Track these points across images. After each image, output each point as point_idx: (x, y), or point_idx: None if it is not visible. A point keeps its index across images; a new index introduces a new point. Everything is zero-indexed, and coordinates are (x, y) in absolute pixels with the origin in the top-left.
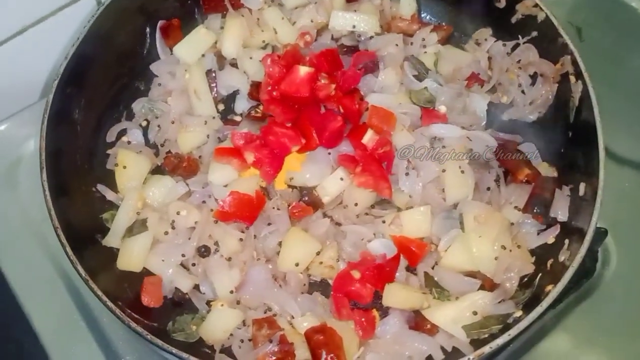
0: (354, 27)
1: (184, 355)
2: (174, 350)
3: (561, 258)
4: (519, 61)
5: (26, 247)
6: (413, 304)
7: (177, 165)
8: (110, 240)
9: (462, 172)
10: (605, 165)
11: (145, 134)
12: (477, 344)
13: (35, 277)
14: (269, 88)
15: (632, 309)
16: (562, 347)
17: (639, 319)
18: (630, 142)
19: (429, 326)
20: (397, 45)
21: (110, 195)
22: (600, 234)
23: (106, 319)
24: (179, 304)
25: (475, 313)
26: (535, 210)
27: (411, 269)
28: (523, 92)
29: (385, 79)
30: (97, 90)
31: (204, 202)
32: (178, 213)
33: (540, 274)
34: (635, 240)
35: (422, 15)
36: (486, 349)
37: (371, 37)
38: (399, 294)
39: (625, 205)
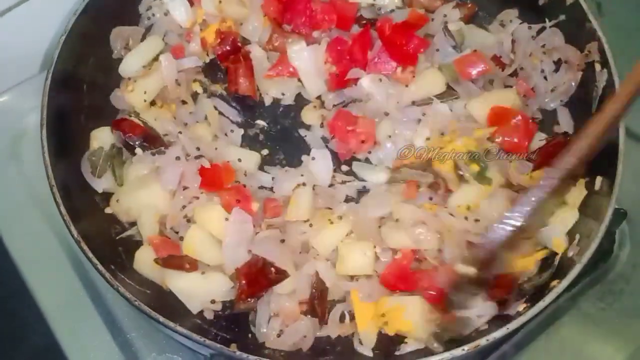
0: None
1: (171, 324)
2: (161, 319)
3: (570, 253)
4: (543, 46)
5: (31, 222)
6: None
7: None
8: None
9: None
10: (625, 147)
11: None
12: (475, 334)
13: (40, 252)
14: None
15: None
16: (577, 328)
17: None
18: None
19: None
20: None
21: None
22: (620, 215)
23: (111, 295)
24: None
25: None
26: None
27: None
28: (545, 78)
29: None
30: (107, 49)
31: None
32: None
33: (546, 268)
34: None
35: None
36: (482, 342)
37: (392, 11)
38: None
39: None
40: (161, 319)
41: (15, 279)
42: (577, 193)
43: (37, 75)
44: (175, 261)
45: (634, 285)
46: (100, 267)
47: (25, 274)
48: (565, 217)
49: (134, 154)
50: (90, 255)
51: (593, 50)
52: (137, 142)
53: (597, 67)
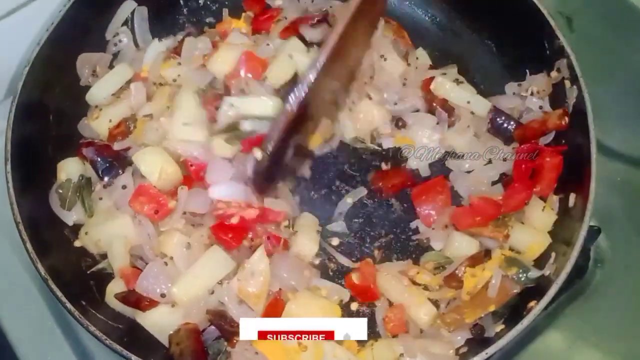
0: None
1: None
2: (133, 358)
3: (546, 272)
4: None
5: None
6: None
7: None
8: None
9: None
10: (596, 160)
11: None
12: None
13: (9, 282)
14: None
15: (625, 306)
16: (555, 345)
17: (632, 316)
18: (622, 135)
19: None
20: None
21: None
22: (593, 233)
23: None
24: None
25: None
26: None
27: None
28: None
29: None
30: (74, 76)
31: None
32: None
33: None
34: (627, 235)
35: None
36: None
37: None
38: None
39: (617, 200)
40: (133, 358)
41: None
42: (547, 219)
43: (2, 101)
44: (133, 297)
45: (610, 302)
46: (69, 305)
47: None
48: (536, 243)
49: (102, 178)
50: (59, 293)
51: (562, 67)
52: (106, 162)
53: (567, 83)
